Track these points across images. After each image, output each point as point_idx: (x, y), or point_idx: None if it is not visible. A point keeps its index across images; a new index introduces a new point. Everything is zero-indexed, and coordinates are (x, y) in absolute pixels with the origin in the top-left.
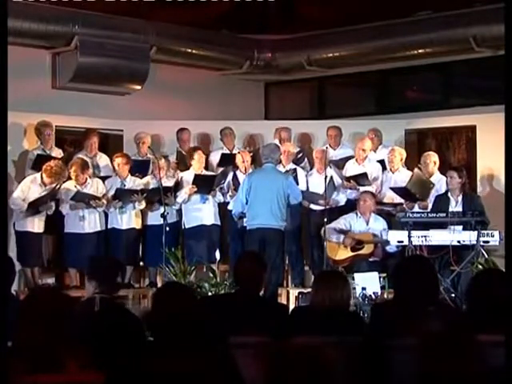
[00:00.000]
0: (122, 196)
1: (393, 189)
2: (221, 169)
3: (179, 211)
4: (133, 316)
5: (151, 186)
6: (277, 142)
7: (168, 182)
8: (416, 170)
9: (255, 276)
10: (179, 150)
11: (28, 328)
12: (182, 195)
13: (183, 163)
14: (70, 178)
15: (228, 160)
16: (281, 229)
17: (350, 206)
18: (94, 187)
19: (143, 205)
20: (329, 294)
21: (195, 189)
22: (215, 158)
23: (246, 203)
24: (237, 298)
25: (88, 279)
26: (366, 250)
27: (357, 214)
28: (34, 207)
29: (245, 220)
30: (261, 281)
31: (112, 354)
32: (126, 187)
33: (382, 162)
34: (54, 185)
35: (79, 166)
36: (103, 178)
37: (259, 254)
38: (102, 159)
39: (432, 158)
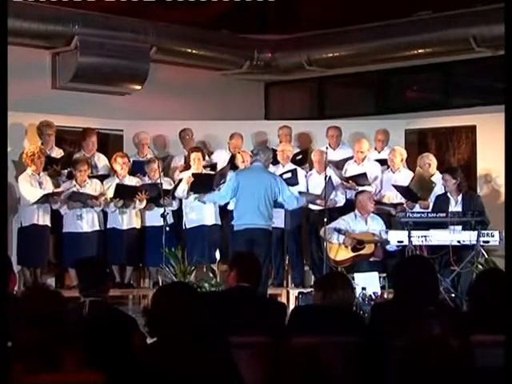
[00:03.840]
0: (124, 194)
1: (395, 186)
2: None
3: (178, 212)
4: (125, 316)
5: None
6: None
7: (166, 184)
8: (418, 168)
9: (254, 275)
10: (181, 150)
11: (25, 328)
12: (181, 187)
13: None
14: (71, 178)
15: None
16: (268, 228)
17: (350, 207)
18: (93, 187)
19: (144, 204)
20: (330, 294)
21: (192, 179)
22: (217, 158)
23: (230, 199)
24: (235, 297)
25: (78, 282)
26: (367, 249)
27: (355, 214)
28: (46, 198)
29: (233, 221)
30: (260, 280)
31: (106, 355)
32: None
33: (384, 161)
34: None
35: (85, 162)
36: (101, 178)
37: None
38: (101, 159)
39: (426, 160)
